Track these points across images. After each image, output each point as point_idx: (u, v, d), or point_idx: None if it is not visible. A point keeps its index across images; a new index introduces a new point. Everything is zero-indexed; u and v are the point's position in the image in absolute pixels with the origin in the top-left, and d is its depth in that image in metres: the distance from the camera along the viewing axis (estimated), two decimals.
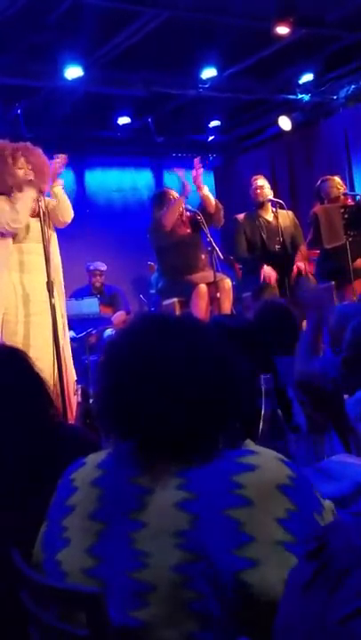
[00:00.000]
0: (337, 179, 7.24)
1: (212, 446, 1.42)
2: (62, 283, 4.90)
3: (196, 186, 6.67)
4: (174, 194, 6.68)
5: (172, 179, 10.51)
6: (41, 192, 4.71)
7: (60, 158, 4.95)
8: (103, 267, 8.69)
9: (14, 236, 4.68)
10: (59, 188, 4.90)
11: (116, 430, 1.49)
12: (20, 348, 2.19)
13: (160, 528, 1.36)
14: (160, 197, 6.80)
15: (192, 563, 1.31)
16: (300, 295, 3.46)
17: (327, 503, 1.47)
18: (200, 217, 6.47)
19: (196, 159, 6.78)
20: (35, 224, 4.65)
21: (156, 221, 6.57)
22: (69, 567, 1.44)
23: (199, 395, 1.42)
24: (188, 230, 6.64)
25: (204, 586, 1.30)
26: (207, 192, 6.72)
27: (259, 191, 7.11)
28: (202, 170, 6.73)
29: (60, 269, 4.89)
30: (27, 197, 4.63)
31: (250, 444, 1.48)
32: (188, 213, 6.63)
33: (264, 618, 1.28)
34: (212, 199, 6.71)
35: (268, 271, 6.82)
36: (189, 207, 6.67)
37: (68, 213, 4.90)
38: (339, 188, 7.08)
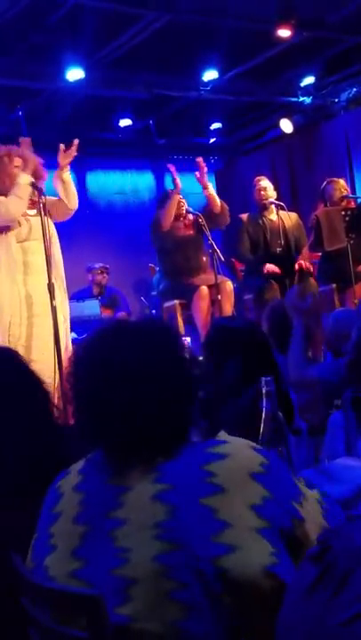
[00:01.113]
0: (341, 181, 7.24)
1: (178, 441, 1.45)
2: (64, 282, 4.90)
3: (201, 185, 6.67)
4: (178, 196, 6.67)
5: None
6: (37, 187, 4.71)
7: (74, 145, 4.92)
8: (106, 265, 8.69)
9: (17, 235, 4.68)
10: (67, 175, 4.91)
11: (86, 435, 1.53)
12: (15, 349, 2.18)
13: (139, 522, 1.38)
14: (164, 198, 6.80)
15: (172, 552, 1.33)
16: (287, 302, 3.52)
17: (312, 492, 1.49)
18: (201, 219, 6.47)
19: (199, 159, 6.78)
20: (36, 220, 4.65)
21: (155, 221, 6.59)
22: (56, 571, 1.45)
23: (161, 395, 1.45)
24: (190, 232, 6.64)
25: (186, 574, 1.32)
26: (212, 191, 6.73)
27: (263, 192, 7.09)
28: (206, 169, 6.73)
29: (62, 269, 4.89)
30: (22, 183, 4.63)
31: (223, 436, 1.50)
32: (190, 216, 6.63)
33: (247, 603, 1.32)
34: (217, 199, 6.72)
35: (271, 267, 6.82)
36: (191, 209, 6.67)
37: (74, 200, 4.93)
38: (342, 191, 7.08)
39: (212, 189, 6.73)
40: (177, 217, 6.61)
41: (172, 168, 6.78)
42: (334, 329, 3.62)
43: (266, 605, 1.29)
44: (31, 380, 2.01)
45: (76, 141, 4.93)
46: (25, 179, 4.66)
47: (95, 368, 1.49)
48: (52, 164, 4.97)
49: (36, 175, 4.78)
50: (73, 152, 4.93)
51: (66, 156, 4.91)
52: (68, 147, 4.92)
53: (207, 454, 1.42)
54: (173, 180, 6.67)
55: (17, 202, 4.62)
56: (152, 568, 1.33)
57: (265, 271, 6.80)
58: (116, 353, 1.48)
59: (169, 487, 1.39)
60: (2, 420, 1.90)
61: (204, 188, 6.66)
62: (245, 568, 1.31)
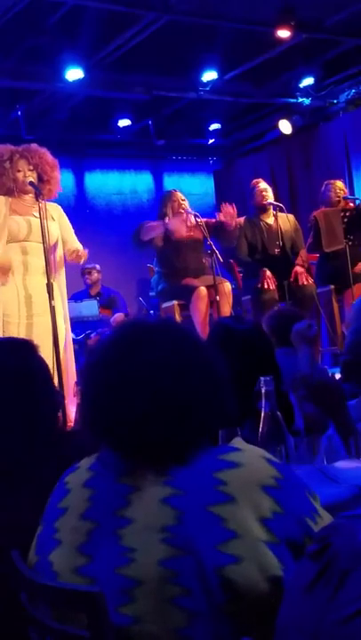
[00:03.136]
0: (338, 183, 7.24)
1: (194, 448, 1.42)
2: (64, 285, 4.92)
3: (228, 222, 6.55)
4: (180, 195, 6.67)
5: (171, 181, 10.54)
6: (47, 192, 4.72)
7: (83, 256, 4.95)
8: (97, 266, 8.70)
9: (15, 236, 4.69)
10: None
11: (98, 437, 1.51)
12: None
13: (146, 524, 1.37)
14: (165, 198, 6.80)
15: (178, 557, 1.32)
16: (295, 330, 3.46)
17: (327, 514, 1.46)
18: (200, 219, 6.47)
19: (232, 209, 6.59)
20: (36, 222, 4.65)
21: (137, 229, 6.55)
22: (60, 567, 1.45)
23: (178, 401, 1.43)
24: (190, 233, 6.63)
25: (191, 581, 1.31)
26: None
27: (265, 194, 7.10)
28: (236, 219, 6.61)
29: (63, 271, 4.90)
30: None
31: (237, 442, 1.49)
32: (190, 215, 6.61)
33: (250, 613, 1.31)
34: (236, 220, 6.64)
35: (268, 277, 6.82)
36: (190, 210, 6.66)
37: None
38: (338, 193, 7.09)
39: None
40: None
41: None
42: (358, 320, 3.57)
43: (269, 616, 1.26)
44: (26, 382, 1.99)
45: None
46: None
47: (110, 371, 1.47)
48: None
49: (44, 178, 4.77)
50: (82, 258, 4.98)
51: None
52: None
53: (220, 461, 1.40)
54: (180, 220, 6.51)
55: None
56: (157, 572, 1.33)
57: (263, 283, 6.77)
58: (134, 356, 1.46)
59: (179, 492, 1.37)
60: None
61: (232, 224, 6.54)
62: (250, 580, 1.30)
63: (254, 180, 7.36)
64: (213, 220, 6.68)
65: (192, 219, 6.51)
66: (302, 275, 6.89)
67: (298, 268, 6.94)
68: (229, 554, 1.31)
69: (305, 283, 6.85)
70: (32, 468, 1.83)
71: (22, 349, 2.05)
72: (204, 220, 6.56)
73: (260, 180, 7.39)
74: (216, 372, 1.50)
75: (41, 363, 2.03)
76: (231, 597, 1.30)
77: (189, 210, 6.64)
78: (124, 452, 1.46)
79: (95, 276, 8.71)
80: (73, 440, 1.96)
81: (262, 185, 7.20)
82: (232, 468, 1.38)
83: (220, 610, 1.30)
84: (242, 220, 7.10)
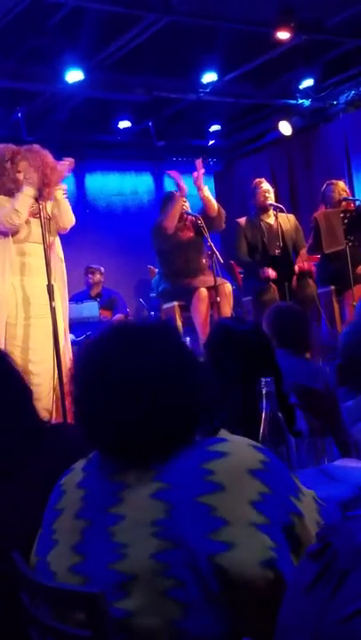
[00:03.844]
0: (341, 183, 7.24)
1: (182, 445, 1.45)
2: (65, 286, 4.90)
3: (196, 187, 6.67)
4: (183, 199, 6.68)
5: (171, 183, 10.53)
6: (47, 194, 4.70)
7: (67, 162, 4.88)
8: (102, 268, 8.71)
9: (15, 236, 4.67)
10: (60, 193, 4.81)
11: (87, 437, 1.54)
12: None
13: (137, 519, 1.39)
14: (167, 200, 6.80)
15: (170, 550, 1.34)
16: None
17: (308, 491, 1.50)
18: (201, 221, 6.48)
19: (198, 160, 6.78)
20: (36, 224, 4.64)
21: (158, 224, 6.57)
22: (57, 566, 1.48)
23: (162, 401, 1.45)
24: (190, 234, 6.64)
25: (184, 573, 1.33)
26: (208, 193, 6.71)
27: (268, 194, 7.10)
28: (203, 171, 6.73)
29: (64, 273, 4.89)
30: (24, 195, 4.62)
31: (223, 433, 1.51)
32: (190, 217, 6.64)
33: (245, 602, 1.32)
34: (213, 201, 6.71)
35: (269, 272, 6.83)
36: (190, 211, 6.68)
37: (68, 220, 4.82)
38: (341, 193, 7.08)
39: (207, 192, 6.71)
40: (178, 219, 6.62)
41: (173, 174, 6.76)
42: None
43: (265, 603, 1.29)
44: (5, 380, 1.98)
45: (68, 160, 4.86)
46: (28, 191, 4.62)
47: (94, 372, 1.50)
48: None
49: (45, 181, 4.73)
50: (65, 170, 4.85)
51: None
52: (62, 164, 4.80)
53: (207, 452, 1.43)
54: (178, 185, 6.65)
55: (11, 213, 4.59)
56: (150, 565, 1.34)
57: (263, 276, 6.81)
58: (116, 357, 1.48)
59: (168, 486, 1.40)
60: None
61: (199, 189, 6.66)
62: (243, 564, 1.31)
63: (257, 180, 7.34)
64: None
65: (189, 217, 6.55)
66: (305, 264, 6.91)
67: (300, 264, 6.97)
68: (221, 541, 1.33)
69: (311, 269, 6.88)
70: (31, 466, 1.83)
71: None
72: (191, 217, 6.60)
73: (263, 179, 7.38)
74: (201, 371, 1.53)
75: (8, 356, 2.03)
76: (225, 586, 1.32)
77: (189, 211, 6.65)
78: (112, 451, 1.49)
79: (98, 277, 8.73)
80: (61, 434, 1.96)
81: (265, 185, 7.19)
82: (219, 457, 1.41)
83: (215, 600, 1.32)
84: (243, 220, 7.10)
